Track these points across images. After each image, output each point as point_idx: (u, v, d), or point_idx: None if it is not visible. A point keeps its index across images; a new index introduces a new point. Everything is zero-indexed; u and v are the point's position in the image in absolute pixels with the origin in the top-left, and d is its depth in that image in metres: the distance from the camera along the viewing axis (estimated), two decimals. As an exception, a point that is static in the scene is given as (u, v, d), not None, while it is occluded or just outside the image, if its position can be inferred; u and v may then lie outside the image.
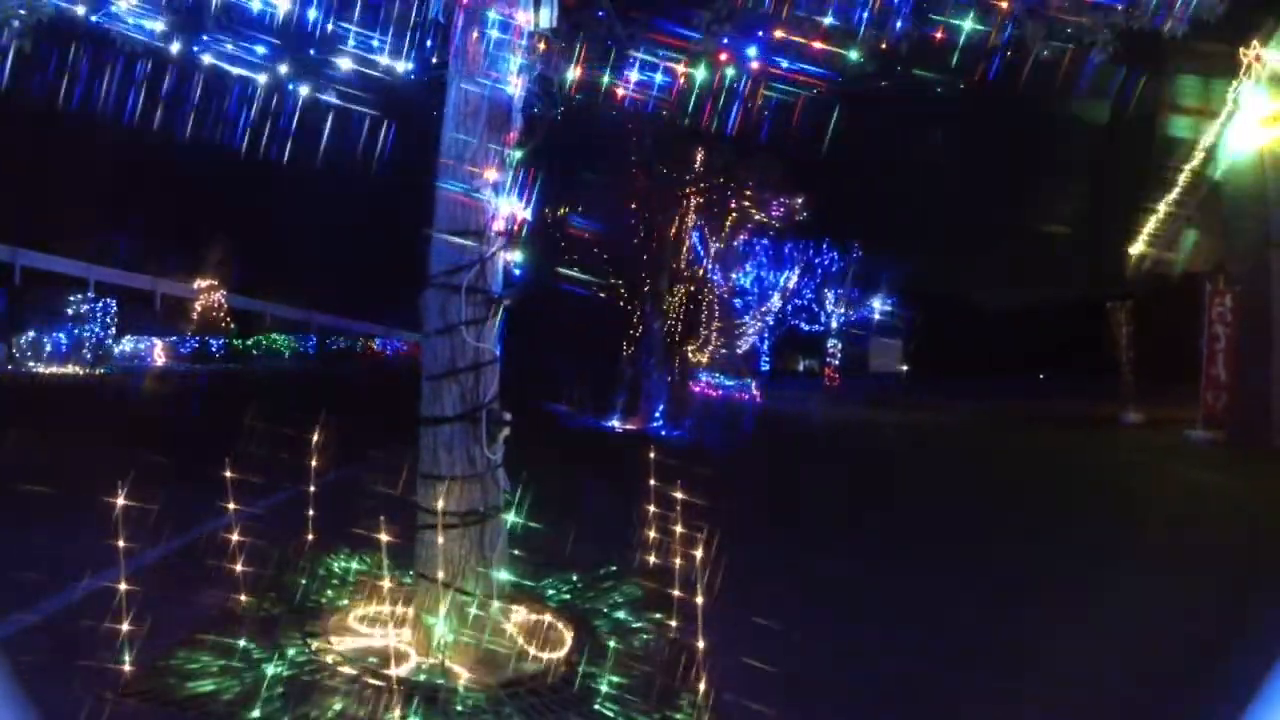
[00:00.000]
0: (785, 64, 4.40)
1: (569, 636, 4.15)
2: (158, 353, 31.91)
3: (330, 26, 4.51)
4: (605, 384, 15.56)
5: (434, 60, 4.45)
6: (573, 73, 4.49)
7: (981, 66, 4.21)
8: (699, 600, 3.59)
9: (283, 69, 4.89)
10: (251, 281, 38.52)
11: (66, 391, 19.87)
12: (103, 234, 32.95)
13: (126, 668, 3.48)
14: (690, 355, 19.16)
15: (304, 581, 4.71)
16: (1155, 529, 7.91)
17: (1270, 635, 2.77)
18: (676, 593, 4.11)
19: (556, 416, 15.54)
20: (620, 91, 4.72)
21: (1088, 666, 4.25)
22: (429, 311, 3.98)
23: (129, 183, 29.84)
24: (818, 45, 4.22)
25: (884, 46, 4.17)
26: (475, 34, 3.92)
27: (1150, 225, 17.67)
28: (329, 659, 3.78)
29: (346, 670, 3.67)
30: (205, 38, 4.69)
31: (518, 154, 4.08)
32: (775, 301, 29.39)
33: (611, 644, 4.11)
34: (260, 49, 4.79)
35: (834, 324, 35.24)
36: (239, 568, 4.35)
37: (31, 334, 25.88)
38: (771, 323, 30.76)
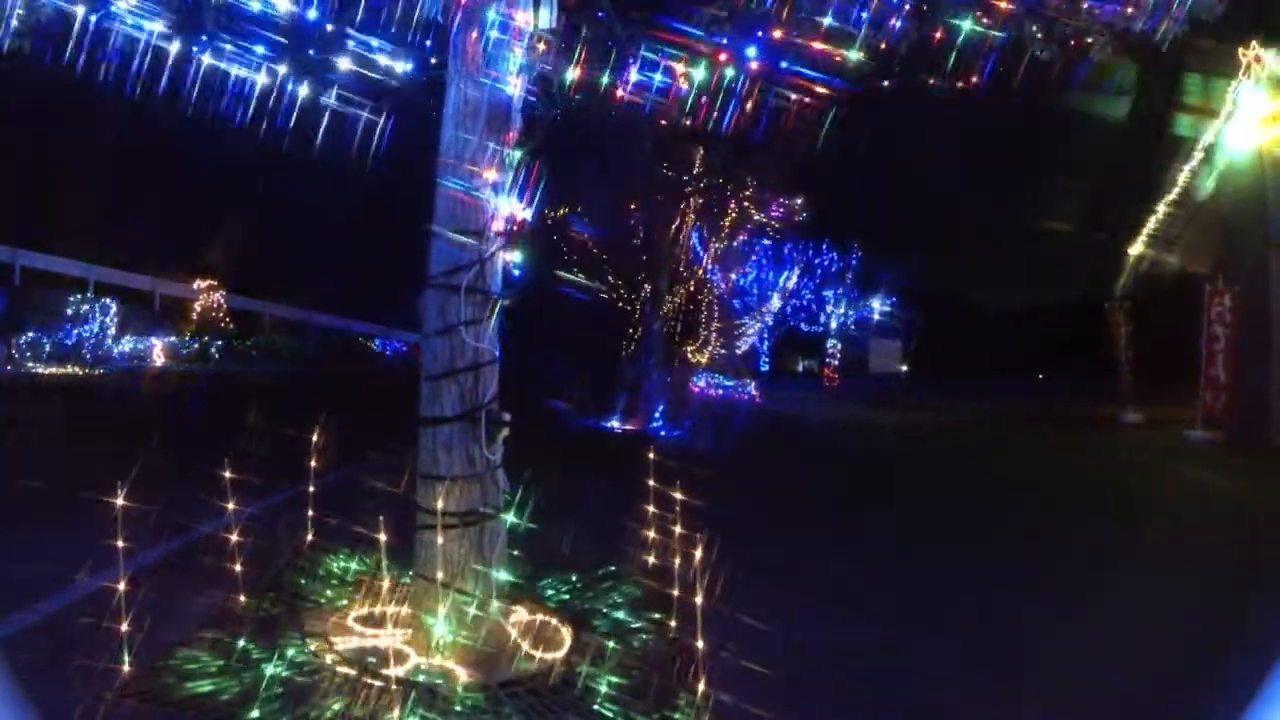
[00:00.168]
0: (784, 64, 4.40)
1: (568, 637, 4.15)
2: (157, 353, 31.89)
3: (330, 26, 4.51)
4: (605, 384, 15.55)
5: (433, 60, 4.45)
6: (572, 73, 4.49)
7: (980, 66, 4.21)
8: (698, 600, 3.59)
9: (282, 69, 4.89)
10: (251, 282, 38.51)
11: (66, 391, 19.84)
12: (103, 234, 32.91)
13: (125, 668, 3.48)
14: (690, 356, 19.18)
15: (303, 581, 4.70)
16: (1155, 529, 7.91)
17: (1270, 635, 2.76)
18: (676, 593, 4.10)
19: (556, 417, 15.54)
20: (620, 92, 4.73)
21: (1088, 666, 4.25)
22: (428, 312, 3.98)
23: (129, 182, 29.82)
24: (817, 45, 4.23)
25: (884, 47, 4.18)
26: (475, 34, 3.92)
27: (1150, 225, 17.67)
28: (328, 659, 3.77)
29: (345, 670, 3.67)
30: (205, 38, 4.69)
31: (517, 154, 4.09)
32: (775, 302, 29.38)
33: (611, 644, 4.10)
34: (260, 49, 4.79)
35: (833, 324, 35.25)
36: (238, 568, 4.35)
37: (31, 334, 25.85)
38: (771, 323, 30.76)
